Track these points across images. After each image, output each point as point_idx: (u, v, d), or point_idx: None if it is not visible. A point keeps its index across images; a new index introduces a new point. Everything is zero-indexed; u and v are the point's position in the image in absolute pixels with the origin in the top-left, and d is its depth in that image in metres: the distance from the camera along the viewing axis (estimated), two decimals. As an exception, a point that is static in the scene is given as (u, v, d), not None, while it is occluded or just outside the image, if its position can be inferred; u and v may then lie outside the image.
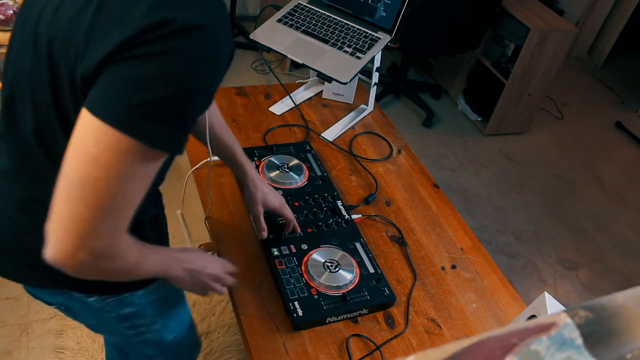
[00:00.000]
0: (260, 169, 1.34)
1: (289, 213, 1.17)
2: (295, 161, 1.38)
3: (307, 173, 1.36)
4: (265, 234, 1.13)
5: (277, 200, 1.16)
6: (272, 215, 1.17)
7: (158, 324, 1.05)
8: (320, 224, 1.22)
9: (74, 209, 0.64)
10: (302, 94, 1.71)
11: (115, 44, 0.61)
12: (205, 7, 0.65)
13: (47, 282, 0.88)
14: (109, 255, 0.69)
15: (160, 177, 0.89)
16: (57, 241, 0.65)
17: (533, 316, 0.98)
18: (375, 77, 1.64)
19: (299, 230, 1.19)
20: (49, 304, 0.96)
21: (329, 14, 1.60)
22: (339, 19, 1.58)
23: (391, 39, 1.54)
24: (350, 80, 1.44)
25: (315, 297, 1.07)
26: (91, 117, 0.62)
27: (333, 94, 1.72)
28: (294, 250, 1.15)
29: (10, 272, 0.90)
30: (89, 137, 0.63)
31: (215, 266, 0.99)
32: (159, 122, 0.63)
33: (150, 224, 0.94)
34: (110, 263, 0.71)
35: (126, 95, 0.62)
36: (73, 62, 0.66)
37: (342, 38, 1.53)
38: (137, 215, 0.70)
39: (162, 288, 1.01)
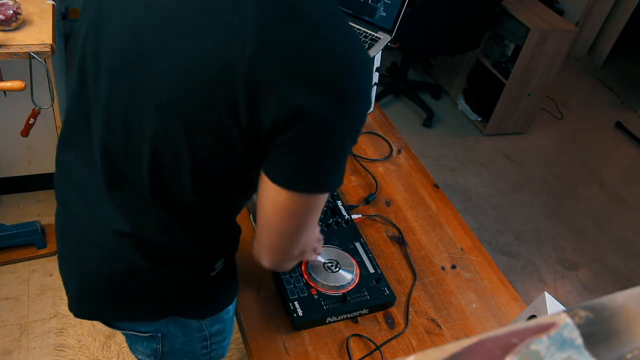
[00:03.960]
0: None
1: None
2: (295, 161, 1.38)
3: (307, 173, 1.36)
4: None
5: None
6: None
7: (227, 340, 1.06)
8: (320, 223, 1.22)
9: (277, 245, 0.78)
10: (302, 94, 1.71)
11: (270, 121, 0.63)
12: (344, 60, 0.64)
13: (157, 314, 0.90)
14: (303, 254, 0.85)
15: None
16: (270, 261, 0.81)
17: (533, 316, 0.98)
18: (375, 77, 1.64)
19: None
20: (144, 332, 0.93)
21: (329, 14, 1.59)
22: (339, 19, 1.58)
23: (391, 39, 1.54)
24: (350, 80, 1.44)
25: (315, 297, 1.07)
26: (280, 189, 0.69)
27: (333, 94, 1.72)
28: (294, 250, 1.15)
29: (113, 314, 0.91)
30: (283, 201, 0.70)
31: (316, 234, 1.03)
32: (335, 173, 0.71)
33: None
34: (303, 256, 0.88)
35: (305, 169, 0.68)
36: (230, 123, 0.65)
37: (342, 38, 1.53)
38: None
39: (234, 303, 1.03)
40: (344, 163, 0.71)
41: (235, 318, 1.07)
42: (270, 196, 0.70)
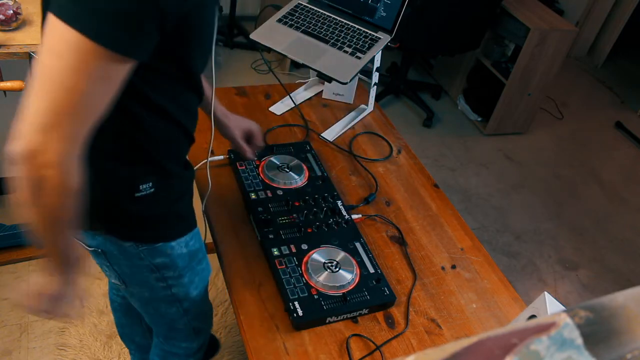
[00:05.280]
0: (260, 169, 1.34)
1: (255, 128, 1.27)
2: (295, 161, 1.38)
3: (307, 173, 1.36)
4: (250, 154, 1.26)
5: (248, 123, 1.27)
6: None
7: (186, 278, 1.07)
8: (320, 224, 1.22)
9: (38, 102, 0.68)
10: (302, 94, 1.71)
11: None
12: None
13: (87, 222, 0.88)
14: (64, 161, 0.70)
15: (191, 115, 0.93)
16: (22, 135, 0.69)
17: (533, 316, 0.98)
18: (375, 77, 1.64)
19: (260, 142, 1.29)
20: (89, 246, 0.97)
21: (329, 14, 1.59)
22: (339, 19, 1.58)
23: (391, 39, 1.54)
24: (350, 80, 1.44)
25: (315, 297, 1.07)
26: (56, 20, 0.65)
27: (333, 94, 1.72)
28: (294, 250, 1.15)
29: None
30: (55, 37, 0.66)
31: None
32: (115, 23, 0.66)
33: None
34: (61, 174, 0.71)
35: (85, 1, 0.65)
36: None
37: (342, 38, 1.53)
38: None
39: (191, 242, 1.04)
40: (121, 24, 0.66)
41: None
42: (47, 35, 0.67)
